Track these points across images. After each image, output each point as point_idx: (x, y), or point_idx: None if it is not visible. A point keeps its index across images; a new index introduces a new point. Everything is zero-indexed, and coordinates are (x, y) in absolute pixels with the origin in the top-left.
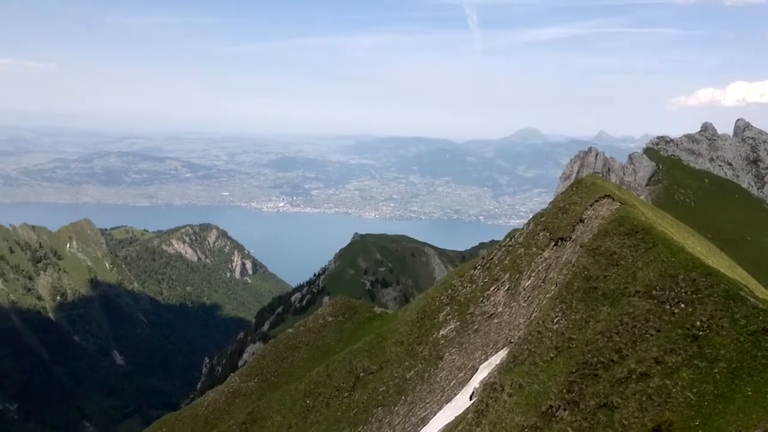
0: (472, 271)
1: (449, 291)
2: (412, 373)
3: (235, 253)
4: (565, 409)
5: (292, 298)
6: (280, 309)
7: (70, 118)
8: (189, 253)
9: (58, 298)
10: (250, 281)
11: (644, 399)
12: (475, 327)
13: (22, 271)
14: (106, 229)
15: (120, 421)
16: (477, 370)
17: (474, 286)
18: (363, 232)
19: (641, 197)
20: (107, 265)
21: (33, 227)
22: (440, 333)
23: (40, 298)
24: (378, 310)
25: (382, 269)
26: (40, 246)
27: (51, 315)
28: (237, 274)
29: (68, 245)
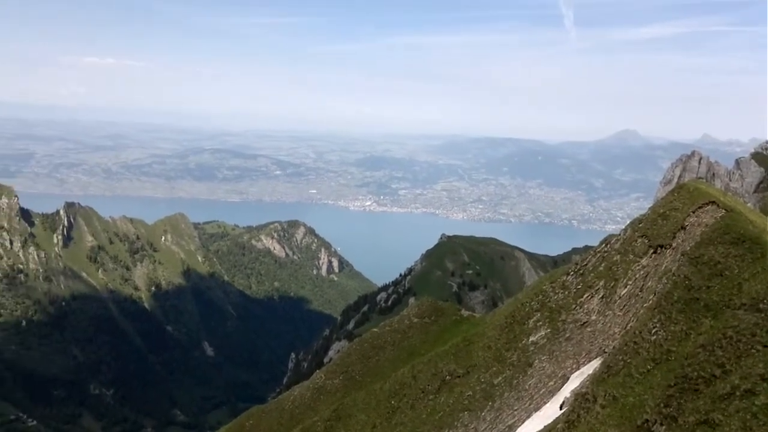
0: (564, 277)
1: (540, 297)
2: (499, 378)
3: (322, 250)
4: (662, 424)
5: (378, 298)
6: (365, 308)
7: (167, 115)
8: (277, 249)
9: (153, 288)
10: (336, 279)
11: (749, 417)
12: (567, 335)
13: (120, 261)
14: (198, 224)
15: (209, 411)
16: (568, 379)
17: (566, 292)
18: (450, 233)
19: (748, 205)
20: (199, 258)
21: (131, 220)
22: (530, 339)
23: (136, 288)
24: (465, 313)
25: (470, 272)
26: (137, 238)
27: (146, 305)
28: (323, 272)
29: (163, 238)
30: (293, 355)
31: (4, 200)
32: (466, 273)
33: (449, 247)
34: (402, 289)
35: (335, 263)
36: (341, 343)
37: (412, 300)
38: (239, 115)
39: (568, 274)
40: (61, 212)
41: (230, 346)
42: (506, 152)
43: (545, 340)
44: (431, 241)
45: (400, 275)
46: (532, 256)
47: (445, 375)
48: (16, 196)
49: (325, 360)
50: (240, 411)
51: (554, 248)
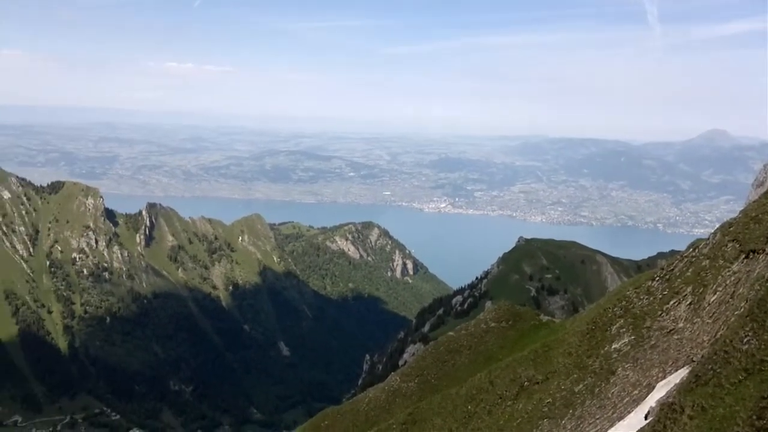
0: (649, 283)
1: (623, 302)
2: (580, 386)
3: (396, 252)
4: None
5: (453, 301)
6: (440, 311)
7: (243, 118)
8: (351, 251)
9: (231, 287)
10: (410, 281)
11: None
12: (652, 342)
13: (199, 261)
14: (274, 224)
15: (285, 410)
16: (654, 388)
17: (651, 298)
18: (528, 236)
19: None
20: (275, 258)
21: (209, 220)
22: (612, 346)
23: (214, 287)
24: (544, 318)
25: (549, 276)
26: (215, 238)
27: (224, 303)
28: (398, 274)
29: (240, 238)
30: (368, 357)
31: (90, 201)
32: (545, 277)
33: (527, 250)
34: (478, 293)
35: (410, 265)
36: (416, 346)
37: (488, 304)
38: (313, 117)
39: (653, 279)
40: (144, 213)
41: (305, 346)
42: (587, 153)
43: (629, 347)
44: (508, 244)
45: (476, 278)
46: (614, 261)
47: (523, 381)
48: (101, 197)
49: (400, 362)
50: (315, 411)
51: (638, 252)
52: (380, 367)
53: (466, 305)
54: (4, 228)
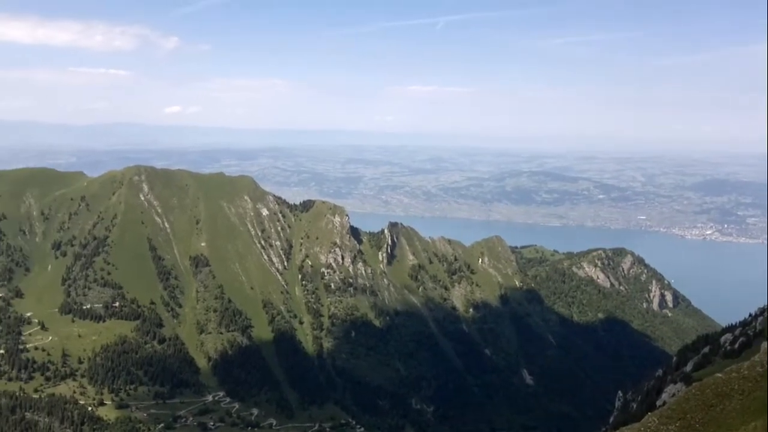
0: None
1: None
2: None
3: (653, 282)
4: None
5: (722, 339)
6: (706, 349)
7: (484, 138)
8: (601, 278)
9: (471, 310)
10: (669, 314)
11: None
12: None
13: (439, 281)
14: (515, 247)
15: None
16: None
17: None
18: None
19: None
20: (517, 282)
21: (449, 241)
22: None
23: (454, 308)
24: None
25: None
26: (455, 259)
27: (464, 326)
28: (655, 306)
29: (480, 260)
30: (620, 393)
31: (337, 219)
32: None
33: None
34: (752, 332)
35: (669, 297)
36: (677, 386)
37: (764, 345)
38: (560, 136)
39: None
40: (386, 231)
41: (550, 376)
42: None
43: None
44: None
45: (750, 315)
46: None
47: None
48: (347, 215)
49: (658, 403)
50: None
51: None
52: (634, 406)
53: (737, 345)
54: (263, 242)
